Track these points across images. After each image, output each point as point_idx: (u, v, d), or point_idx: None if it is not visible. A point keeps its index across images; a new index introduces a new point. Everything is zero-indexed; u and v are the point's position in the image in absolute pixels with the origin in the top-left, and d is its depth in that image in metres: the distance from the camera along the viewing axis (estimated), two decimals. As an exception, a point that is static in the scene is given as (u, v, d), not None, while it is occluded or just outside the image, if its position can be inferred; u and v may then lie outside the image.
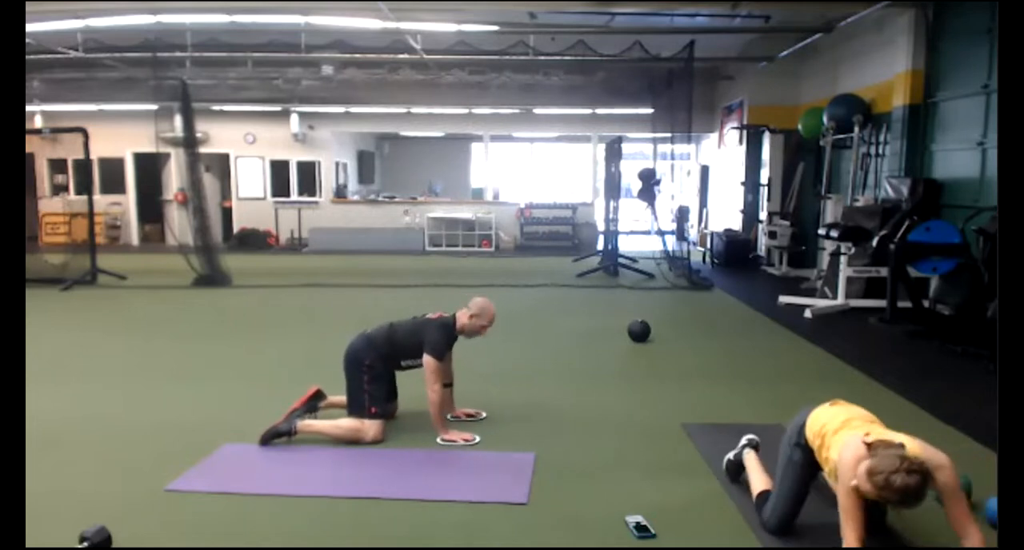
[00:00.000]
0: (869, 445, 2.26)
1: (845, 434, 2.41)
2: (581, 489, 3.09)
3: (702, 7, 8.70)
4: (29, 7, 5.49)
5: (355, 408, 3.65)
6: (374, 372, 3.65)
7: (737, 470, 3.12)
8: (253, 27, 9.38)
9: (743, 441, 3.16)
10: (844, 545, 2.31)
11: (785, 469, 2.67)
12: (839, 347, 5.73)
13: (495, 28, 9.09)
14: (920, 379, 4.84)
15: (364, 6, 8.21)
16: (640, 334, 5.94)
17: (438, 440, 3.61)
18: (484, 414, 4.02)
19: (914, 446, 2.27)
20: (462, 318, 3.78)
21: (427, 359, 3.62)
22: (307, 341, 6.00)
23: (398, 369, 3.80)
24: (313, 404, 3.81)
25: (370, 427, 3.58)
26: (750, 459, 3.04)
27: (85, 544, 2.46)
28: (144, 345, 5.85)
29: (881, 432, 2.38)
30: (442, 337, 3.69)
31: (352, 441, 3.56)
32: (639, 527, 2.69)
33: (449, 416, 3.90)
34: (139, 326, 6.69)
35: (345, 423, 3.62)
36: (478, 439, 3.64)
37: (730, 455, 3.19)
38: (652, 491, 3.06)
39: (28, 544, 2.22)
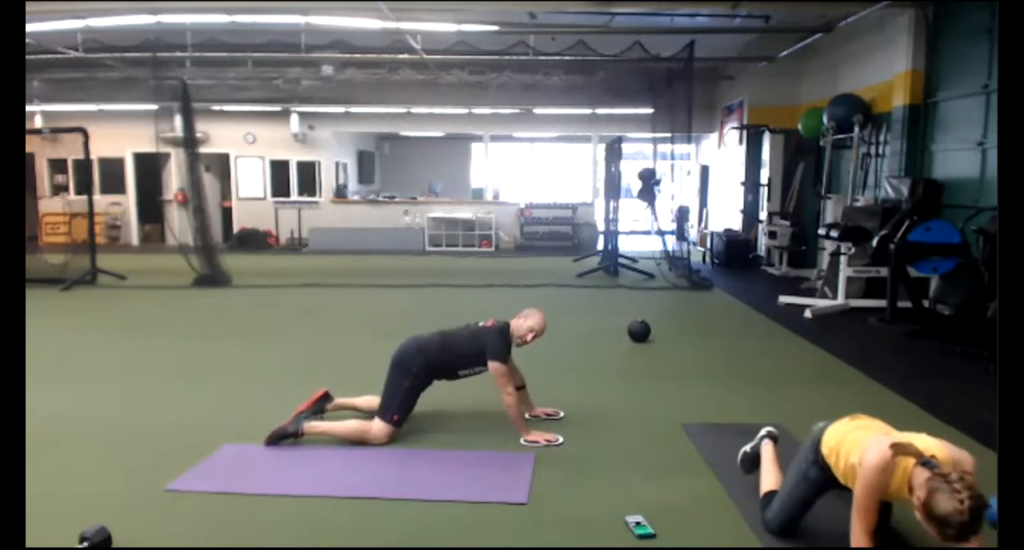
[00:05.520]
0: (893, 447, 2.25)
1: (863, 437, 2.40)
2: (581, 489, 3.09)
3: (702, 7, 8.70)
4: (29, 7, 5.49)
5: (382, 407, 3.64)
6: (417, 381, 3.65)
7: (752, 463, 3.08)
8: (253, 27, 9.38)
9: (762, 432, 3.12)
10: (852, 542, 2.31)
11: (798, 483, 2.63)
12: (839, 347, 5.73)
13: (495, 28, 9.08)
14: (920, 379, 4.84)
15: (364, 6, 8.21)
16: (640, 334, 5.94)
17: (521, 441, 3.59)
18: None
19: (939, 449, 2.26)
20: (514, 324, 3.78)
21: (494, 365, 3.64)
22: (307, 341, 6.00)
23: (451, 378, 3.78)
24: (321, 406, 3.82)
25: (379, 430, 3.57)
26: (767, 452, 3.01)
27: (85, 544, 2.46)
28: (144, 345, 5.85)
29: (902, 436, 2.36)
30: (501, 342, 3.69)
31: (358, 442, 3.56)
32: (639, 527, 2.69)
33: (528, 415, 3.91)
34: (139, 326, 6.69)
35: (352, 424, 3.63)
36: (561, 440, 3.62)
37: (747, 447, 3.15)
38: (652, 491, 3.06)
39: (28, 544, 2.22)
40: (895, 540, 2.64)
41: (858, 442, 2.42)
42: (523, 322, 3.77)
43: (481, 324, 3.81)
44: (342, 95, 13.27)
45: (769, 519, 2.69)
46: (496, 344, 3.67)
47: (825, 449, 2.54)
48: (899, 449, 2.24)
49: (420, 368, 3.65)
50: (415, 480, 3.18)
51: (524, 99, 13.54)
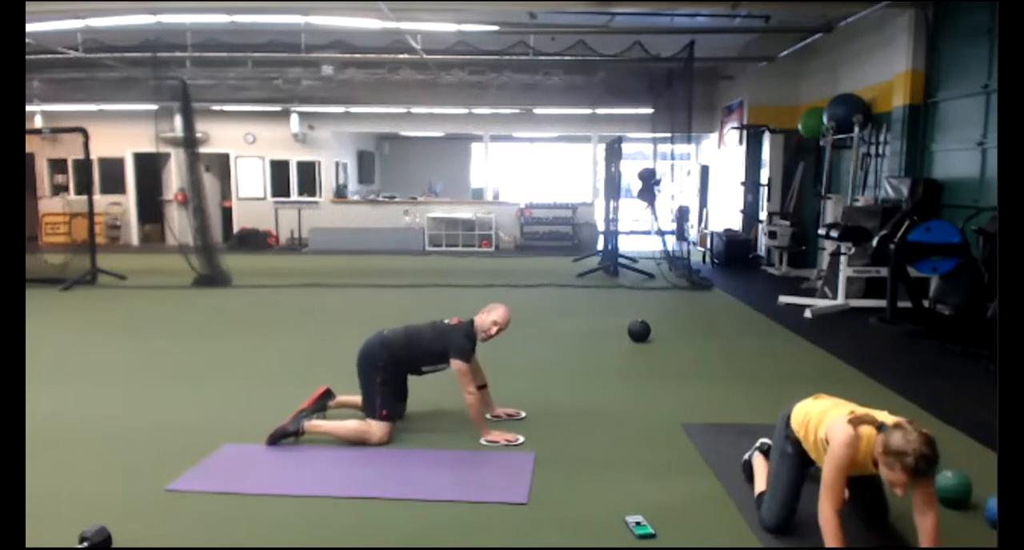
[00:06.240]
0: (852, 422, 2.41)
1: (830, 416, 2.55)
2: (581, 489, 3.09)
3: (702, 7, 8.70)
4: (29, 7, 5.49)
5: (367, 408, 3.65)
6: (387, 374, 3.66)
7: (751, 470, 3.13)
8: (253, 27, 9.38)
9: (757, 444, 3.16)
10: (820, 518, 2.40)
11: (779, 463, 2.73)
12: (839, 347, 5.73)
13: (495, 28, 9.08)
14: (920, 379, 4.84)
15: (364, 6, 8.21)
16: (640, 334, 5.94)
17: (481, 441, 3.60)
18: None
19: (893, 420, 2.41)
20: (478, 320, 3.79)
21: (457, 363, 3.64)
22: (307, 341, 6.00)
23: (416, 374, 3.79)
24: (322, 404, 3.82)
25: (377, 429, 3.58)
26: (758, 462, 3.05)
27: (85, 544, 2.46)
28: (144, 345, 5.85)
29: (862, 411, 2.53)
30: (466, 341, 3.70)
31: (359, 442, 3.56)
32: (639, 527, 2.69)
33: (489, 416, 3.91)
34: (139, 326, 6.69)
35: (352, 424, 3.63)
36: (522, 439, 3.63)
37: (746, 455, 3.20)
38: (652, 491, 3.06)
39: (28, 544, 2.22)
40: (894, 539, 2.65)
41: (824, 415, 2.58)
42: (487, 317, 3.79)
43: (447, 321, 3.81)
44: (342, 95, 13.27)
45: (764, 514, 2.71)
46: (460, 343, 3.67)
47: (794, 424, 2.71)
48: (857, 420, 2.41)
49: (387, 362, 3.66)
50: (415, 480, 3.18)
51: (524, 99, 13.54)
